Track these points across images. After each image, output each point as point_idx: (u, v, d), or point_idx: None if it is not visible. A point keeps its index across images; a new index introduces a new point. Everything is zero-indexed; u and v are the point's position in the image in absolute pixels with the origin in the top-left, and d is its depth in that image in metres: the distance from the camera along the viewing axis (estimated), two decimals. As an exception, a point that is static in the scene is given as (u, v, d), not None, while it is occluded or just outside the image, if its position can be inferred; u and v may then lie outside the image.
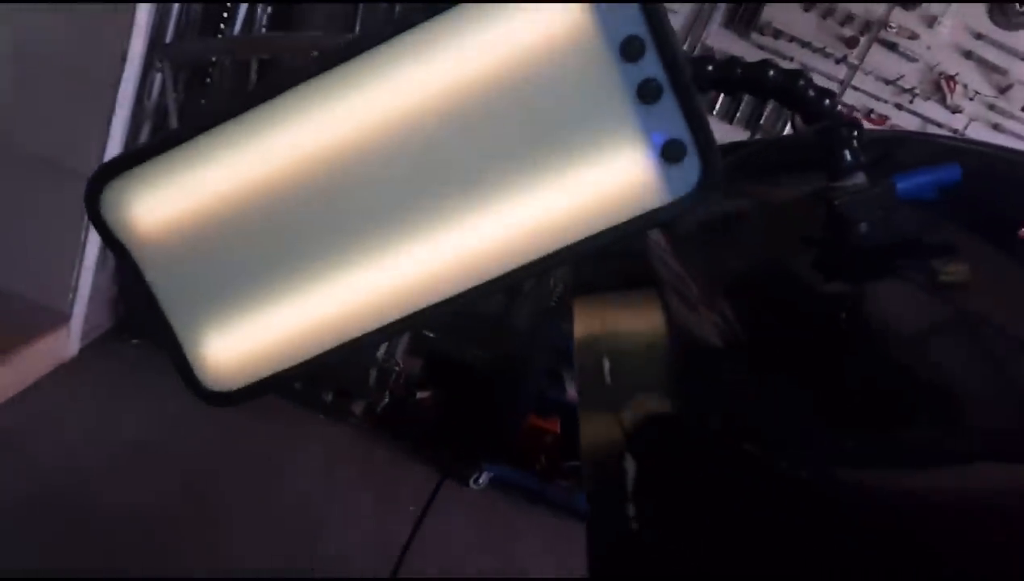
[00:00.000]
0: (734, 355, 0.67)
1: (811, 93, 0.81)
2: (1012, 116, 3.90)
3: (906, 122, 3.95)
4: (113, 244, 0.55)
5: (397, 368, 3.20)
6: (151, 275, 0.56)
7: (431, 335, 3.35)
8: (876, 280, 0.81)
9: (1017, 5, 3.72)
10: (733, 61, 0.83)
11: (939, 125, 3.93)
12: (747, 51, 3.87)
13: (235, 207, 0.54)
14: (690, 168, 0.53)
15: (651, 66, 0.51)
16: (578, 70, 0.51)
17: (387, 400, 3.30)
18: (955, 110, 3.90)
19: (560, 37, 0.51)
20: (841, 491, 0.54)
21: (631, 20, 0.51)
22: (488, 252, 0.55)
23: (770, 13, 3.84)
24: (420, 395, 3.33)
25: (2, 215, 2.64)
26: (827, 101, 0.82)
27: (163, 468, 2.69)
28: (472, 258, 0.55)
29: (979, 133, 3.94)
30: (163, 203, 0.55)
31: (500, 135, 0.53)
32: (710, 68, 0.83)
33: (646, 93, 0.52)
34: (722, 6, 3.85)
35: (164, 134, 0.55)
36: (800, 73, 0.81)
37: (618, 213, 0.53)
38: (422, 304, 0.56)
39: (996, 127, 3.93)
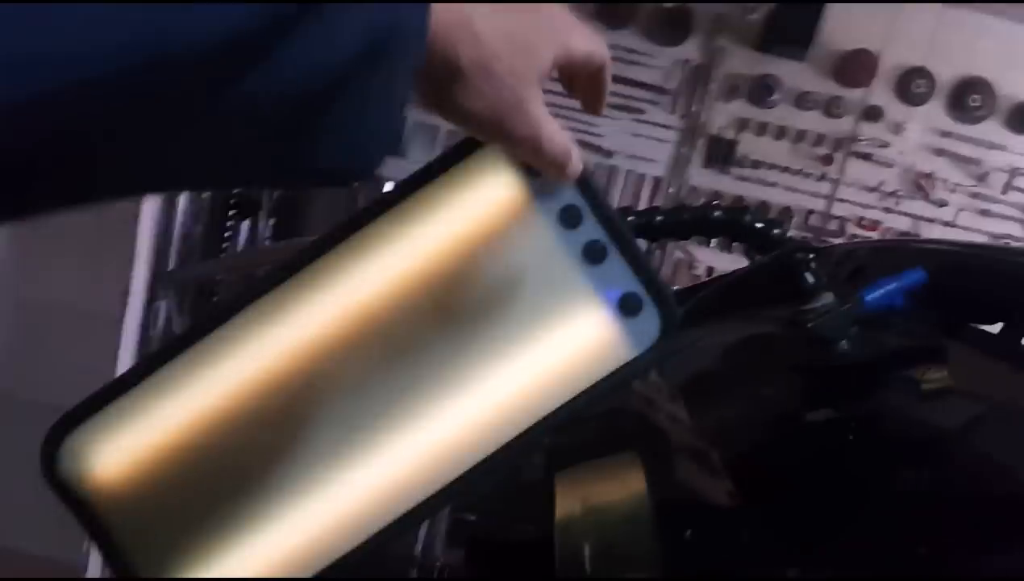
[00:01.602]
0: (730, 518, 0.66)
1: (758, 226, 0.84)
2: (996, 200, 3.96)
3: (897, 223, 4.00)
4: (72, 504, 0.53)
5: (438, 564, 3.07)
6: (116, 530, 0.54)
7: (471, 518, 3.21)
8: (868, 399, 0.80)
9: (971, 102, 3.87)
10: (680, 208, 0.87)
11: (930, 221, 3.98)
12: (730, 185, 4.00)
13: (194, 440, 0.53)
14: (649, 318, 0.54)
15: (591, 229, 0.54)
16: (525, 245, 0.54)
17: (432, 597, 3.15)
18: (941, 204, 3.97)
19: (503, 218, 0.53)
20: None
21: (564, 192, 0.53)
22: (467, 437, 0.54)
23: (745, 147, 4.00)
24: (467, 586, 3.17)
25: (7, 469, 2.64)
26: (775, 230, 0.85)
27: None
28: (453, 446, 0.54)
29: (969, 221, 3.98)
30: (121, 450, 0.54)
31: (461, 321, 0.54)
32: (659, 218, 0.87)
33: (592, 254, 0.54)
34: (698, 148, 4.02)
35: (113, 382, 0.54)
36: (744, 209, 0.85)
37: (590, 374, 0.54)
38: (406, 505, 0.54)
39: (984, 213, 3.98)
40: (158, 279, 2.77)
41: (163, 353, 0.54)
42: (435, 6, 0.34)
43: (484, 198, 0.53)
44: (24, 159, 0.27)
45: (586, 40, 0.44)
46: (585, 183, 0.53)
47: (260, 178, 0.40)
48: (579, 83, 0.49)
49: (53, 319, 2.60)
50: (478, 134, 0.44)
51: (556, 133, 0.44)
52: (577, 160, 0.46)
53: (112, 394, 0.54)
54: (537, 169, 0.50)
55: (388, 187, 0.54)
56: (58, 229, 2.56)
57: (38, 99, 0.24)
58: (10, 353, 2.61)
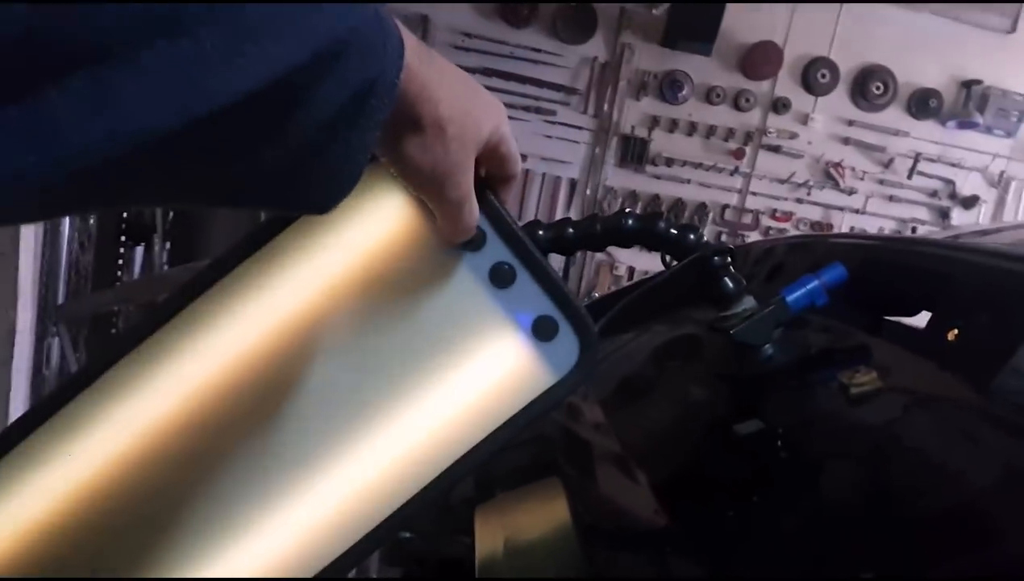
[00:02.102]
0: (658, 542, 0.61)
1: (673, 232, 0.80)
2: (902, 185, 4.10)
3: (810, 213, 4.10)
4: None
5: (372, 585, 2.99)
6: None
7: (406, 536, 3.13)
8: (797, 406, 0.77)
9: (874, 89, 3.99)
10: (592, 218, 0.82)
11: (840, 209, 4.09)
12: (645, 183, 4.03)
13: (93, 492, 0.49)
14: (567, 340, 0.51)
15: (496, 251, 0.50)
16: (426, 272, 0.50)
17: (369, 621, 3.06)
18: (851, 192, 4.08)
19: (399, 245, 0.50)
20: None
21: None
22: (389, 479, 0.51)
23: (657, 146, 4.03)
24: (405, 607, 3.09)
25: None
26: (691, 235, 0.81)
27: None
28: (376, 489, 0.51)
29: (878, 207, 4.11)
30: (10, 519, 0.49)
31: (370, 360, 0.50)
32: (570, 231, 0.82)
33: (499, 278, 0.51)
34: (612, 148, 4.02)
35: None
36: (658, 216, 0.80)
37: (512, 403, 0.51)
38: (324, 557, 0.50)
39: (892, 198, 4.11)
40: (47, 314, 2.59)
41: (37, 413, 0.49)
42: (408, 66, 0.39)
43: (378, 226, 0.50)
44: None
45: (513, 142, 0.49)
46: (485, 200, 0.49)
47: (241, 203, 0.41)
48: (489, 177, 0.50)
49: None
50: (416, 187, 0.46)
51: (474, 206, 0.47)
52: (472, 232, 0.49)
53: None
54: (442, 228, 0.48)
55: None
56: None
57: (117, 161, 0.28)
58: None
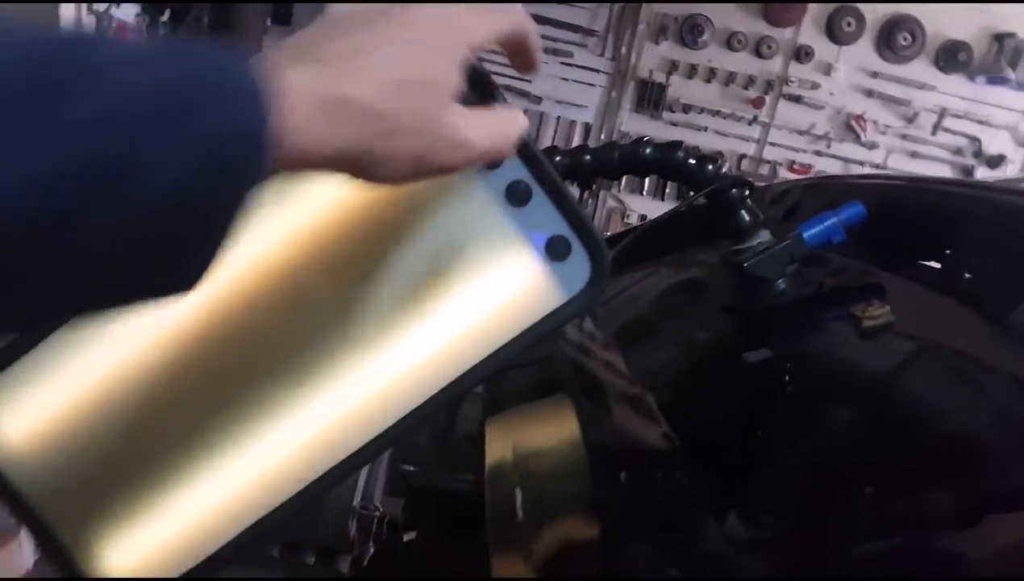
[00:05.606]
0: (665, 462, 0.62)
1: (692, 162, 0.79)
2: (925, 141, 4.02)
3: (828, 166, 4.04)
4: None
5: (377, 513, 3.05)
6: (31, 496, 0.51)
7: (410, 469, 3.18)
8: (806, 339, 0.77)
9: (901, 40, 3.89)
10: (610, 146, 0.81)
11: (860, 164, 4.03)
12: (661, 130, 3.97)
13: (107, 398, 0.50)
14: (579, 262, 0.51)
15: (513, 169, 0.49)
16: (442, 189, 0.50)
17: (373, 550, 3.13)
18: (871, 146, 4.01)
19: None
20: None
21: None
22: (397, 389, 0.51)
23: (675, 91, 3.96)
24: (408, 537, 3.16)
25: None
26: (710, 167, 0.80)
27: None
28: (383, 398, 0.51)
29: (899, 163, 4.04)
30: (21, 414, 0.50)
31: (383, 273, 0.50)
32: (587, 157, 0.81)
33: (515, 196, 0.50)
34: (628, 92, 3.96)
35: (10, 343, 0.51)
36: (677, 144, 0.79)
37: (520, 320, 0.51)
38: (337, 457, 0.52)
39: (914, 154, 4.03)
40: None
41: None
42: (291, 105, 0.31)
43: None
44: None
45: (496, 25, 0.41)
46: None
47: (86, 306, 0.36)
48: (508, 55, 0.46)
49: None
50: (420, 180, 0.40)
51: (482, 127, 0.41)
52: (514, 129, 0.43)
53: (10, 355, 0.50)
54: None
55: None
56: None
57: None
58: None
